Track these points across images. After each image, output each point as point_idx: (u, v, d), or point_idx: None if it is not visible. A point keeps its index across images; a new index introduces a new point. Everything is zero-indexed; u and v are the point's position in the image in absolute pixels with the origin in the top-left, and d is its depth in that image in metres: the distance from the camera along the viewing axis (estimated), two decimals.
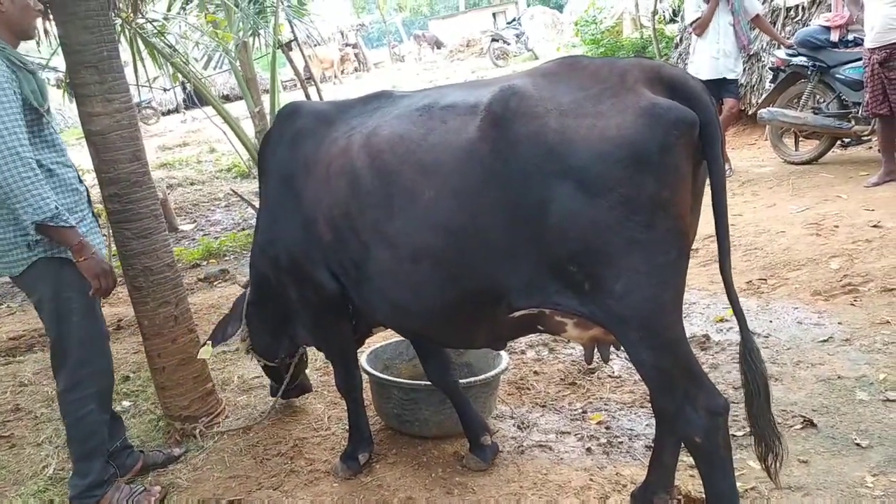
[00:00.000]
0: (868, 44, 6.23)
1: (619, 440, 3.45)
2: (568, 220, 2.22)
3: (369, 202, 2.64)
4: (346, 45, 32.41)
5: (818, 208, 6.17)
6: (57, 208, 2.77)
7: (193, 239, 9.69)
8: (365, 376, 3.53)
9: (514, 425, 3.69)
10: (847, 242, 5.28)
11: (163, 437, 3.88)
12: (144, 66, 7.42)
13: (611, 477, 3.13)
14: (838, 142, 7.69)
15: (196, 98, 18.82)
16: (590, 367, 4.09)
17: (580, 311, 2.36)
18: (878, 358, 3.78)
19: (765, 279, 5.07)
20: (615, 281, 2.25)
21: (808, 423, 3.32)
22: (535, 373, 4.25)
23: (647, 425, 3.54)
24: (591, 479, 3.11)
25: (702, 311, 4.79)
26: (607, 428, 3.57)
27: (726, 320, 4.58)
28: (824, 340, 4.08)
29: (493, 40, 25.88)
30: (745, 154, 8.77)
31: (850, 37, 7.18)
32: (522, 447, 3.47)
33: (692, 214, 2.34)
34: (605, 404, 3.80)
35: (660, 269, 2.23)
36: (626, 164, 2.14)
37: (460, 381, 3.39)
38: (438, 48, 33.56)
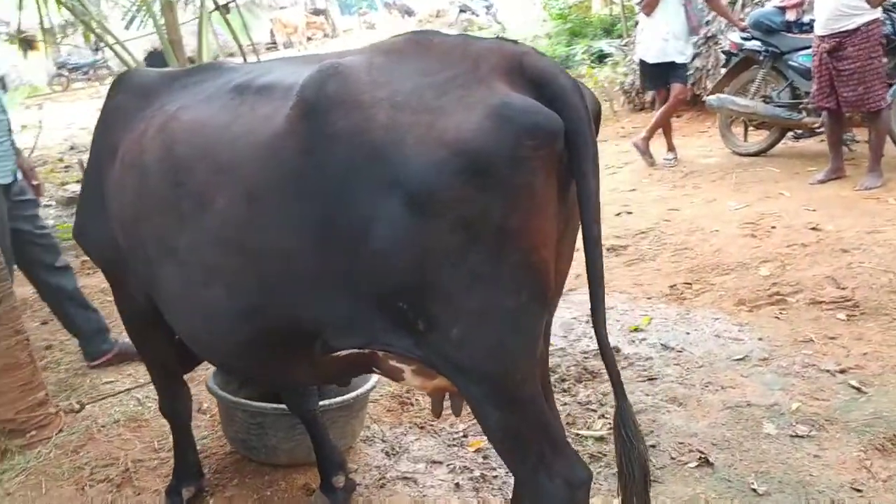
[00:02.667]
0: (817, 30, 5.80)
1: (494, 474, 3.03)
2: (394, 245, 1.71)
3: (156, 206, 2.13)
4: (316, 11, 31.47)
5: (758, 206, 5.78)
6: None
7: None
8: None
9: (382, 451, 3.25)
10: (782, 246, 4.90)
11: None
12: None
13: None
14: (790, 133, 7.30)
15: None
16: None
17: (415, 354, 1.87)
18: (795, 383, 3.40)
19: (690, 284, 4.67)
20: (452, 324, 1.77)
21: (704, 461, 2.93)
22: None
23: None
24: None
25: (618, 317, 4.38)
26: (484, 458, 3.14)
27: (641, 330, 4.17)
28: (740, 359, 3.70)
29: (462, 11, 25.18)
30: (695, 142, 8.37)
31: (807, 19, 6.73)
32: (385, 479, 3.04)
33: (562, 246, 1.88)
34: (472, 429, 3.36)
35: (507, 314, 1.76)
36: (465, 179, 1.64)
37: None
38: (410, 16, 32.72)
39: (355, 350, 1.96)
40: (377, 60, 1.86)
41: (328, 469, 2.83)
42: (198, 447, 3.29)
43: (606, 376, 3.51)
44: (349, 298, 1.85)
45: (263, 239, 1.90)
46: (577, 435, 3.22)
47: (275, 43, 28.87)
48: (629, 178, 7.38)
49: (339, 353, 1.98)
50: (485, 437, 3.19)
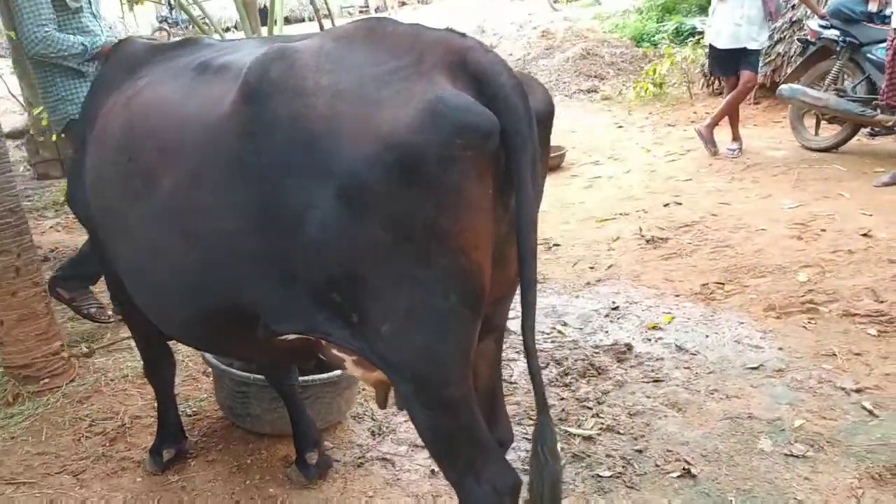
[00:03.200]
0: (894, 23, 5.39)
1: None
2: (327, 237, 1.70)
3: (112, 181, 2.18)
4: None
5: (814, 206, 5.46)
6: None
7: None
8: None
9: (369, 430, 3.26)
10: (827, 251, 4.62)
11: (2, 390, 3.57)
12: None
13: None
14: (865, 129, 6.86)
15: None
16: None
17: (352, 346, 1.87)
18: (804, 399, 3.22)
19: (722, 284, 4.48)
20: (382, 320, 1.76)
21: (687, 473, 2.82)
22: None
23: (512, 447, 3.08)
24: None
25: (640, 312, 4.25)
26: None
27: (660, 328, 4.03)
28: (754, 368, 3.53)
29: None
30: (765, 133, 7.97)
31: (889, 11, 6.26)
32: (364, 459, 3.05)
33: (503, 249, 1.79)
34: None
35: (436, 316, 1.73)
36: (396, 175, 1.61)
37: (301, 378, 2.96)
38: None
39: (297, 336, 1.96)
40: (328, 46, 1.82)
41: (303, 445, 2.86)
42: (194, 409, 3.40)
43: (613, 373, 3.50)
44: (288, 285, 1.84)
45: (206, 221, 1.91)
46: (567, 432, 3.14)
47: (367, 6, 29.04)
48: (687, 166, 7.10)
49: (281, 337, 1.98)
50: None
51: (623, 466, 2.91)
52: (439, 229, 1.66)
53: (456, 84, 1.68)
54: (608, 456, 2.98)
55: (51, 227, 6.58)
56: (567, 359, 3.76)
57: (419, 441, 3.12)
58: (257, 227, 1.82)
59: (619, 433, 3.13)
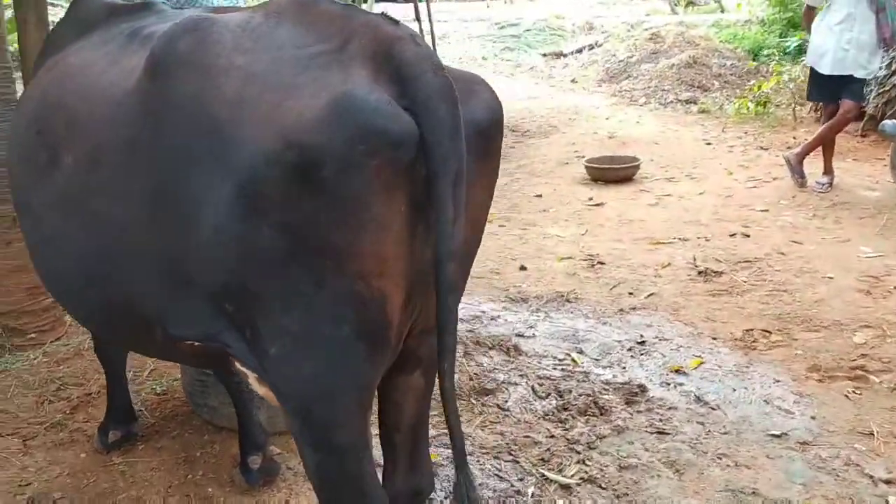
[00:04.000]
0: None
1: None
2: (218, 238, 1.49)
3: (21, 153, 2.02)
4: None
5: (894, 259, 4.88)
6: None
7: None
8: None
9: None
10: (894, 313, 4.09)
11: None
12: None
13: None
14: None
15: None
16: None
17: (249, 362, 1.66)
18: (823, 482, 2.80)
19: (769, 332, 4.02)
20: (271, 340, 1.55)
21: None
22: None
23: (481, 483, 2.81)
24: None
25: (667, 351, 3.86)
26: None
27: (684, 373, 3.64)
28: (777, 435, 3.11)
29: None
30: (863, 169, 7.25)
31: None
32: None
33: (426, 277, 1.54)
34: (436, 440, 3.06)
35: (326, 346, 1.51)
36: (293, 177, 1.39)
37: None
38: None
39: (197, 342, 1.75)
40: (255, 21, 1.60)
41: (247, 447, 2.68)
42: (164, 388, 3.27)
43: (616, 416, 3.15)
44: (182, 287, 1.64)
45: (101, 206, 1.73)
46: (543, 476, 2.84)
47: None
48: (768, 195, 6.55)
49: (182, 342, 1.78)
50: (441, 453, 2.93)
51: None
52: (333, 248, 1.42)
53: (378, 78, 1.44)
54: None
55: None
56: (571, 392, 3.43)
57: (379, 460, 2.90)
58: (150, 221, 1.62)
59: (601, 487, 2.80)
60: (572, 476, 2.85)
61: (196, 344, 1.74)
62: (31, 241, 2.07)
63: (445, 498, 2.74)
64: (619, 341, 3.97)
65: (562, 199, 6.81)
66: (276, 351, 1.56)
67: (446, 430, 3.01)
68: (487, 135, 1.62)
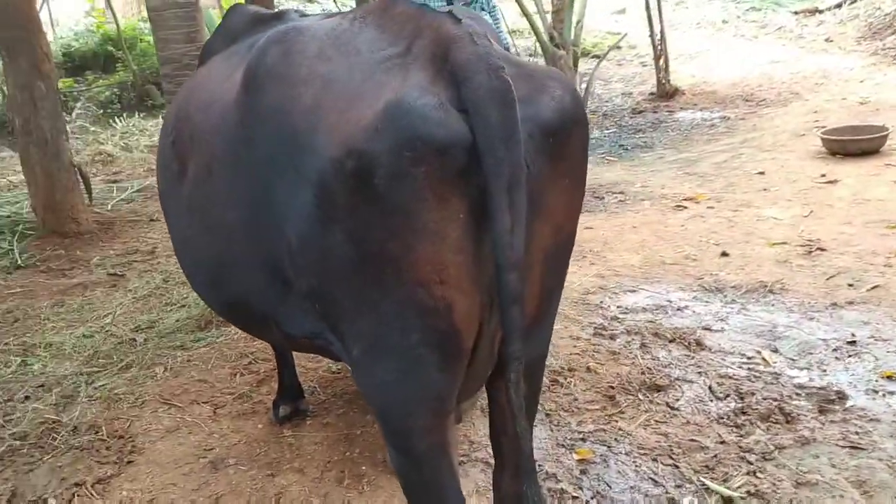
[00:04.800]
0: None
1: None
2: (302, 242, 1.57)
3: (161, 160, 2.21)
4: None
5: None
6: None
7: None
8: None
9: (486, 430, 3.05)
10: None
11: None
12: None
13: None
14: None
15: None
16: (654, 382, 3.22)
17: (346, 360, 1.74)
18: None
19: None
20: (353, 343, 1.60)
21: None
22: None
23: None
24: None
25: (882, 354, 3.35)
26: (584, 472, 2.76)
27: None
28: None
29: None
30: None
31: None
32: (466, 458, 2.85)
33: (471, 289, 1.47)
34: (594, 436, 2.92)
35: (396, 353, 1.52)
36: (354, 185, 1.40)
37: None
38: None
39: (308, 339, 1.84)
40: (342, 27, 1.64)
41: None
42: (339, 366, 3.47)
43: (804, 425, 2.87)
44: (285, 290, 1.74)
45: (216, 215, 1.86)
46: (703, 485, 2.62)
47: None
48: None
49: (296, 338, 1.88)
50: (590, 445, 2.82)
51: None
52: (390, 256, 1.42)
53: (437, 81, 1.40)
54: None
55: None
56: (754, 394, 3.12)
57: (535, 453, 2.85)
58: (254, 228, 1.73)
59: (768, 503, 2.52)
60: (737, 488, 2.59)
61: (312, 341, 1.83)
62: (173, 242, 2.29)
63: (592, 498, 2.63)
64: (825, 340, 3.52)
65: (788, 176, 6.17)
66: (357, 354, 1.60)
67: (603, 427, 2.93)
68: (558, 135, 1.50)
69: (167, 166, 2.14)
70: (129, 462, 2.94)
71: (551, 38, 9.51)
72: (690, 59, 13.14)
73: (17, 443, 3.10)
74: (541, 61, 10.87)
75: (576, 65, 9.60)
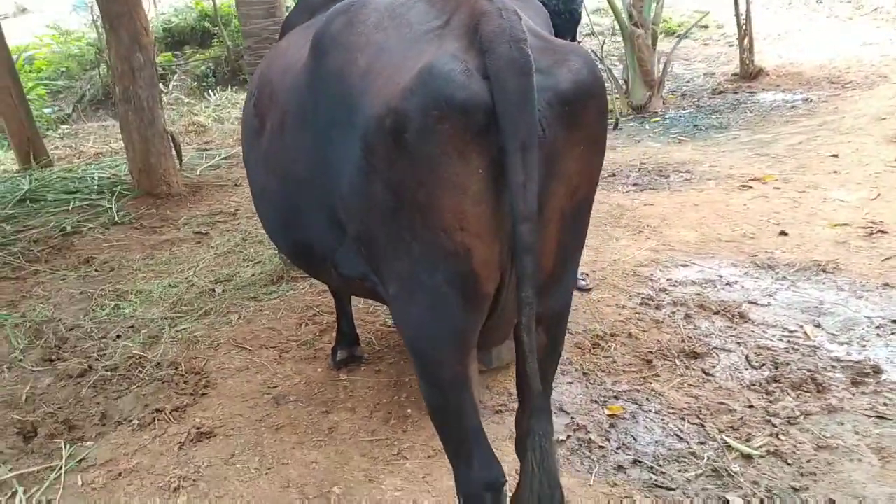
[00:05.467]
0: None
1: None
2: (352, 191, 1.78)
3: (245, 119, 2.48)
4: None
5: None
6: None
7: None
8: None
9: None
10: None
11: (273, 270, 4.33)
12: None
13: None
14: None
15: None
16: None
17: (388, 299, 1.95)
18: None
19: None
20: (389, 282, 1.82)
21: None
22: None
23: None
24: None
25: None
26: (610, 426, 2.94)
27: None
28: None
29: None
30: None
31: None
32: (504, 408, 3.08)
33: (490, 237, 1.65)
34: (626, 394, 3.09)
35: (425, 291, 1.71)
36: (391, 140, 1.60)
37: None
38: None
39: (360, 281, 2.08)
40: (399, 1, 1.82)
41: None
42: (392, 322, 3.73)
43: (833, 395, 3.02)
44: (340, 234, 1.97)
45: (286, 166, 2.11)
46: (725, 443, 2.76)
47: None
48: None
49: (351, 280, 2.12)
50: (628, 408, 3.00)
51: (766, 502, 2.49)
52: (419, 203, 1.61)
53: (468, 50, 1.58)
54: (754, 483, 2.56)
55: None
56: (789, 365, 3.22)
57: (568, 407, 3.06)
58: (317, 178, 1.96)
59: (786, 463, 2.65)
60: (758, 447, 2.73)
61: (363, 282, 2.07)
62: (252, 192, 2.58)
63: (617, 448, 2.80)
64: (870, 318, 3.57)
65: (862, 159, 6.07)
66: (393, 292, 1.81)
67: (637, 388, 3.09)
68: (574, 104, 1.63)
69: (249, 124, 2.41)
70: (202, 395, 3.29)
71: (630, 17, 9.50)
72: (779, 40, 12.80)
73: (108, 374, 3.50)
74: (619, 40, 10.83)
75: (654, 43, 9.57)
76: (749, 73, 10.42)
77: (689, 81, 11.22)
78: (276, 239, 2.49)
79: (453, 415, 1.85)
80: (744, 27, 10.15)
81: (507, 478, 1.94)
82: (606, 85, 9.50)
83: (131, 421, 3.13)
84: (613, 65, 10.88)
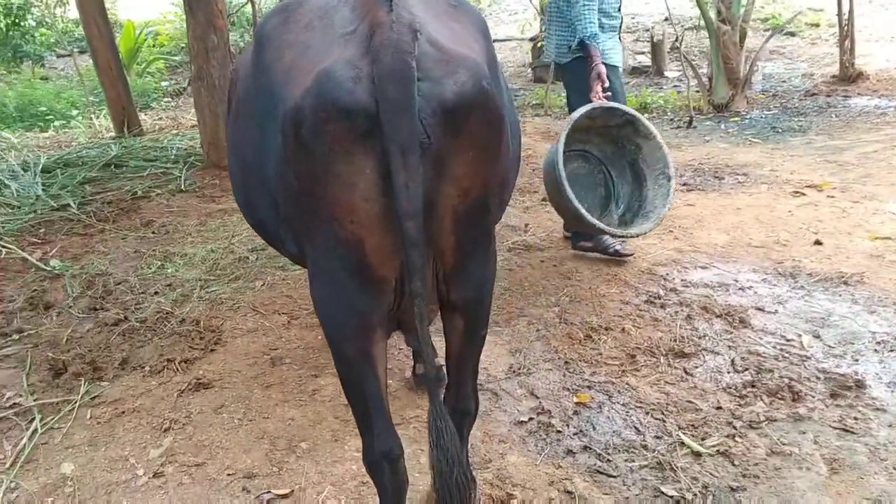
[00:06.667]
0: None
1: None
2: (275, 177, 1.94)
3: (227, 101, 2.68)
4: None
5: None
6: (595, 35, 4.25)
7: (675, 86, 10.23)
8: None
9: (507, 365, 3.39)
10: None
11: None
12: None
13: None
14: None
15: None
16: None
17: None
18: None
19: None
20: (307, 263, 1.98)
21: None
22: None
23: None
24: None
25: None
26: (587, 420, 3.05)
27: None
28: None
29: None
30: None
31: None
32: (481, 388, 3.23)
33: (380, 230, 1.76)
34: (600, 386, 3.16)
35: (326, 273, 1.87)
36: (293, 134, 1.74)
37: None
38: None
39: (299, 256, 2.25)
40: (330, 4, 1.95)
41: (415, 356, 3.27)
42: None
43: (806, 405, 3.11)
44: (277, 216, 2.12)
45: (240, 150, 2.29)
46: (679, 440, 2.82)
47: None
48: None
49: (292, 254, 2.30)
50: (596, 398, 3.10)
51: (698, 499, 2.54)
52: (316, 194, 1.76)
53: (363, 58, 1.70)
54: (693, 479, 2.62)
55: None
56: (772, 371, 3.22)
57: (539, 391, 3.19)
58: (258, 162, 2.10)
59: (732, 464, 2.69)
60: (710, 447, 2.77)
61: (302, 259, 2.24)
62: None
63: (574, 434, 2.90)
64: (874, 333, 3.49)
65: None
66: (309, 270, 1.98)
67: (612, 381, 3.16)
68: (456, 113, 1.71)
69: (228, 106, 2.63)
70: (211, 350, 3.60)
71: (718, 13, 9.26)
72: (891, 42, 12.15)
73: (138, 325, 3.86)
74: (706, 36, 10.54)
75: (742, 41, 9.30)
76: (848, 76, 9.99)
77: (784, 81, 10.86)
78: (244, 214, 2.66)
79: (356, 387, 1.97)
80: (845, 27, 9.72)
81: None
82: (692, 81, 9.36)
83: (144, 367, 3.46)
84: (694, 60, 10.62)
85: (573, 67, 4.54)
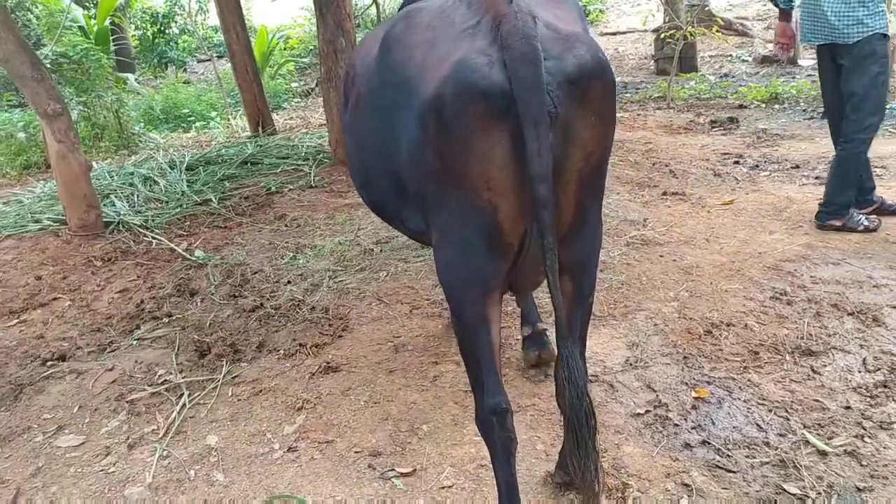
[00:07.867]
0: None
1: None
2: (409, 158, 2.15)
3: (343, 96, 2.85)
4: None
5: None
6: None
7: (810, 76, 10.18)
8: None
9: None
10: None
11: None
12: None
13: None
14: None
15: None
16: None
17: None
18: None
19: None
20: (434, 232, 2.17)
21: None
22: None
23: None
24: None
25: None
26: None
27: None
28: None
29: None
30: None
31: None
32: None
33: (513, 196, 1.96)
34: (720, 381, 3.12)
35: (457, 239, 2.07)
36: (434, 119, 1.96)
37: None
38: None
39: (420, 233, 2.45)
40: (446, 4, 2.19)
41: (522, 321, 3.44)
42: None
43: None
44: (403, 195, 2.36)
45: (361, 137, 2.54)
46: (804, 438, 2.76)
47: None
48: None
49: (414, 231, 2.51)
50: (715, 393, 3.08)
51: (822, 498, 2.50)
52: (456, 168, 1.98)
53: (492, 46, 1.91)
54: (818, 478, 2.57)
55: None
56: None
57: (656, 385, 3.20)
58: (382, 148, 2.36)
59: (860, 464, 2.61)
60: (837, 446, 2.70)
61: (422, 236, 2.44)
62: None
63: (692, 429, 2.89)
64: None
65: None
66: (435, 241, 2.16)
67: (734, 376, 3.13)
68: (579, 84, 1.91)
69: (341, 100, 2.86)
70: (339, 336, 3.81)
71: None
72: None
73: (273, 311, 4.14)
74: None
75: None
76: None
77: None
78: (361, 196, 2.90)
79: (471, 348, 2.16)
80: None
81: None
82: None
83: (279, 350, 3.71)
84: None
85: (866, 47, 4.29)
